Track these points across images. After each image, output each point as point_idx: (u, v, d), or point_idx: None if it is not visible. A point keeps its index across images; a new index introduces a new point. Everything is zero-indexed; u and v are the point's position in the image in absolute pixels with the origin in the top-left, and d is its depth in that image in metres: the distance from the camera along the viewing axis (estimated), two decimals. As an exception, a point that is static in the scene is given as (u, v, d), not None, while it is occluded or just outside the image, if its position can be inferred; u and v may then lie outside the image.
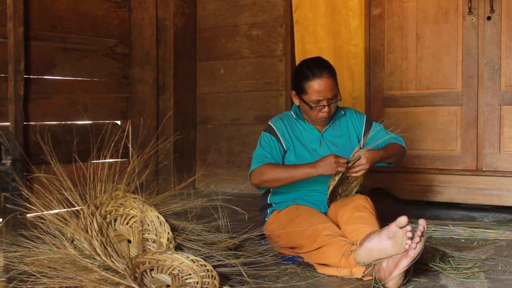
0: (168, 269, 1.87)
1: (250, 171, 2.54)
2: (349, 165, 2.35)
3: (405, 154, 2.68)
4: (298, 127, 2.63)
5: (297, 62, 3.94)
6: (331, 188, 2.39)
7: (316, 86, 2.45)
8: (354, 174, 2.40)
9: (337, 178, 2.37)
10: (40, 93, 3.63)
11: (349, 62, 3.76)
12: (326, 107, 2.48)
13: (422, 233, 1.91)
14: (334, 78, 2.50)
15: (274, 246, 2.39)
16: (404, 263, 1.89)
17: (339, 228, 2.28)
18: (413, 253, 1.89)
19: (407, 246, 1.89)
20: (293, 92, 2.58)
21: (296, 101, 2.59)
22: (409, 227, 1.90)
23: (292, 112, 2.68)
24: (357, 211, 2.29)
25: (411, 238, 1.89)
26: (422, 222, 1.94)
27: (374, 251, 1.96)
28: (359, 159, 2.36)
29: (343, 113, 2.69)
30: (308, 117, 2.58)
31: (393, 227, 1.92)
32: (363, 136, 2.64)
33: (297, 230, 2.28)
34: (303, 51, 3.90)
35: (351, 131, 2.67)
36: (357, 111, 2.76)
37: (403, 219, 1.90)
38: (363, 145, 2.53)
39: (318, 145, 2.59)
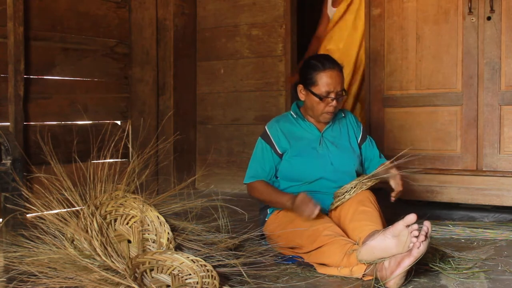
0: (168, 269, 1.87)
1: (245, 181, 2.66)
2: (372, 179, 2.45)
3: None
4: (297, 127, 2.64)
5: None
6: (341, 203, 2.44)
7: (327, 77, 2.49)
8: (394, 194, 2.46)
9: (348, 196, 2.43)
10: (40, 93, 3.63)
11: None
12: (334, 100, 2.51)
13: (427, 233, 1.90)
14: (342, 73, 2.56)
15: (274, 246, 2.39)
16: (407, 262, 1.89)
17: (341, 228, 2.28)
18: (417, 253, 1.88)
19: (411, 245, 1.88)
20: (300, 86, 2.59)
21: (302, 96, 2.60)
22: (415, 226, 1.88)
23: (292, 112, 2.68)
24: (362, 205, 2.30)
25: (416, 237, 1.88)
26: (427, 223, 1.92)
27: (377, 249, 1.96)
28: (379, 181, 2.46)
29: (343, 115, 2.73)
30: (313, 113, 2.59)
31: (399, 225, 1.91)
32: (359, 144, 2.70)
33: (297, 230, 2.28)
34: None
35: (351, 133, 2.70)
36: (356, 117, 2.80)
37: (411, 217, 1.88)
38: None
39: (318, 144, 2.60)
